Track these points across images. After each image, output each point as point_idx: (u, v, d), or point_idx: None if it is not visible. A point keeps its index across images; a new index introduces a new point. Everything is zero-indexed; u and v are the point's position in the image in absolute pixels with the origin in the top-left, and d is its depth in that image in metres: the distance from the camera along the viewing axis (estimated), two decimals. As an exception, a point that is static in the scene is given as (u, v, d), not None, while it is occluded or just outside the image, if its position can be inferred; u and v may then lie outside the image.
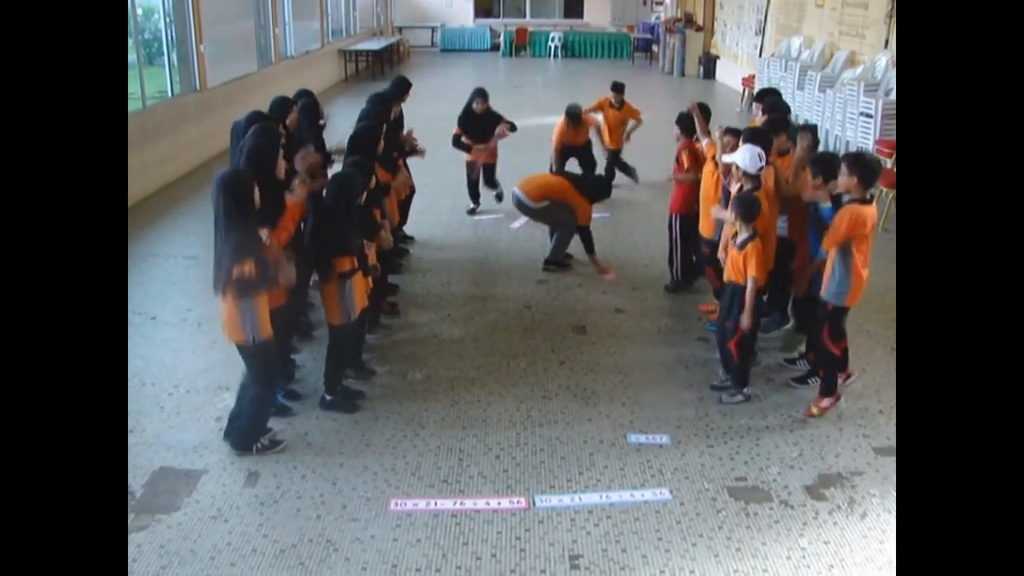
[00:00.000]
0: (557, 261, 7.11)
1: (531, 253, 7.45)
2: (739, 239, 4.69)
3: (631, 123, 9.39)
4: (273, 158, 4.35)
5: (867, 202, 4.41)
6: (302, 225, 4.70)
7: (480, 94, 7.99)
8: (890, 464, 4.30)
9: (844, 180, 4.44)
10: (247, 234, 3.93)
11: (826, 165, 4.71)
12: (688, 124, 6.27)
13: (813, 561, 3.62)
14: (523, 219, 8.27)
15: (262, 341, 4.10)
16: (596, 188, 7.05)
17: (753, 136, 5.04)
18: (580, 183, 6.93)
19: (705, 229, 5.75)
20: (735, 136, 5.37)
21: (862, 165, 4.40)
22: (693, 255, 6.40)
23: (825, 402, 4.74)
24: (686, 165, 6.18)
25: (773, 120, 5.47)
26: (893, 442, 4.49)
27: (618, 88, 9.30)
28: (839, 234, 4.41)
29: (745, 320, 4.69)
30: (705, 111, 6.31)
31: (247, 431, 4.33)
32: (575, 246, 6.91)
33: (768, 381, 5.12)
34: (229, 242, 3.89)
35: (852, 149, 10.01)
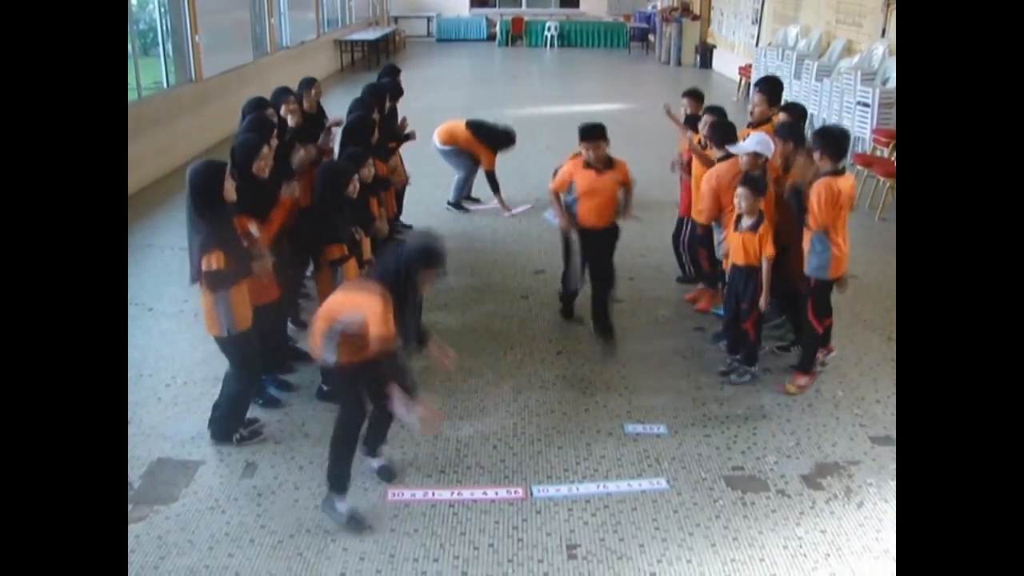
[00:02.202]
0: (458, 204, 8.30)
1: (528, 243, 7.44)
2: (747, 222, 4.71)
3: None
4: (254, 152, 4.33)
5: (839, 173, 4.50)
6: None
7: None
8: (887, 453, 4.31)
9: (816, 157, 4.58)
10: (215, 226, 3.91)
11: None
12: (695, 123, 6.23)
13: (810, 550, 3.63)
14: (521, 207, 8.29)
15: (237, 334, 4.09)
16: (498, 138, 7.97)
17: (713, 112, 5.46)
18: (482, 133, 7.89)
19: (693, 213, 5.77)
20: (711, 114, 5.66)
21: (827, 138, 4.53)
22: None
23: (802, 379, 4.80)
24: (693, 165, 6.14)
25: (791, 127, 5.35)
26: (890, 431, 4.50)
27: (596, 135, 5.13)
28: (820, 213, 4.48)
29: (763, 300, 4.75)
30: (697, 96, 6.37)
31: (224, 421, 4.34)
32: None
33: (765, 371, 5.12)
34: (197, 234, 3.90)
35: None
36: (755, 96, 5.89)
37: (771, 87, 5.95)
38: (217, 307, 4.00)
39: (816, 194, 4.47)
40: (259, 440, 4.38)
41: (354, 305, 3.46)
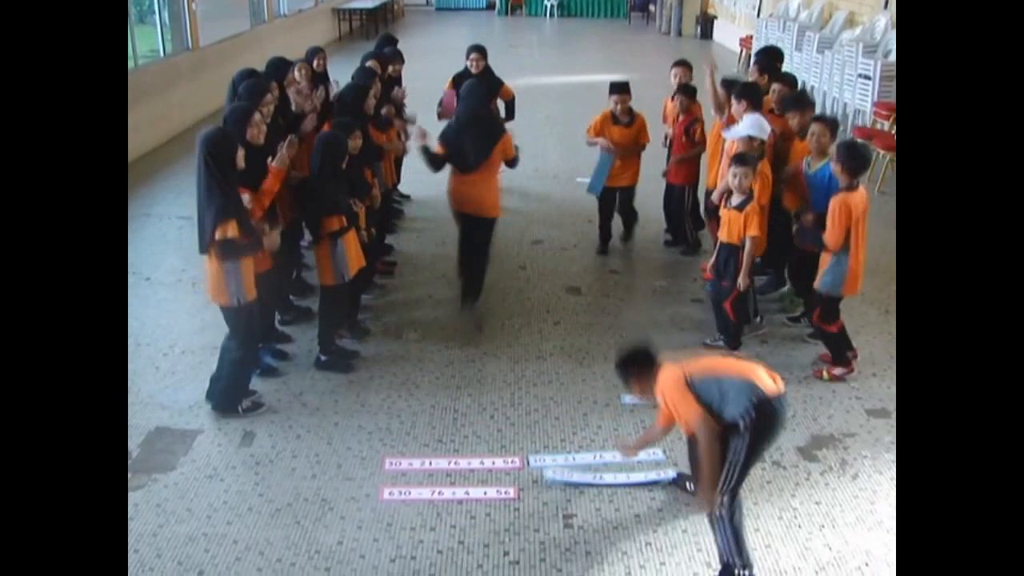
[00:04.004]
0: None
1: (527, 213, 7.42)
2: (735, 200, 4.69)
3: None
4: (245, 118, 4.28)
5: (853, 188, 4.43)
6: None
7: (476, 49, 7.25)
8: (882, 426, 4.33)
9: (833, 166, 4.50)
10: (230, 195, 3.90)
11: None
12: (686, 91, 6.15)
13: (804, 521, 3.65)
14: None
15: (246, 303, 4.09)
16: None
17: (744, 92, 5.19)
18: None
19: (712, 182, 5.73)
20: (727, 89, 5.50)
21: (851, 154, 4.42)
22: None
23: (838, 370, 4.76)
24: (696, 138, 6.09)
25: (794, 99, 5.33)
26: (886, 404, 4.52)
27: (622, 88, 6.12)
28: (837, 229, 4.43)
29: (741, 280, 4.70)
30: (687, 65, 6.29)
31: (228, 393, 4.34)
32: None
33: (763, 344, 5.13)
34: (211, 203, 3.87)
35: (850, 111, 9.94)
36: (752, 66, 5.90)
37: (763, 56, 6.04)
38: (228, 277, 3.99)
39: (833, 212, 4.42)
40: (263, 411, 4.39)
41: None
